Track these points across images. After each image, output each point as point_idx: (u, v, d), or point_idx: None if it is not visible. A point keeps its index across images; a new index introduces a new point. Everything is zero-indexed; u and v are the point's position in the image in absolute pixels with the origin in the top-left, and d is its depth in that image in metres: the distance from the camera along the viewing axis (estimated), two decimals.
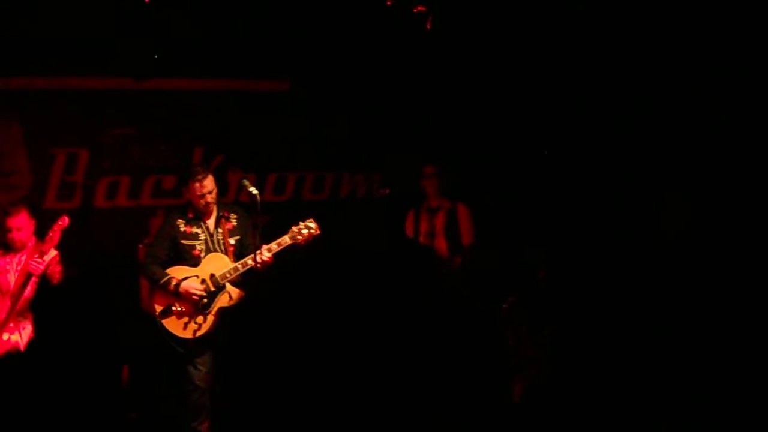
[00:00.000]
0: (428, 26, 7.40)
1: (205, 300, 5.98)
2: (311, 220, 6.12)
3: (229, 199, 7.76)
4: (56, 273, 5.88)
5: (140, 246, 7.13)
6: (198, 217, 6.10)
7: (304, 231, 6.06)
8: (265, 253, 5.91)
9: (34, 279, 5.84)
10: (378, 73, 8.08)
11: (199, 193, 6.00)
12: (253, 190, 5.92)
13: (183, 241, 6.05)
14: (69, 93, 7.34)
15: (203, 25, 7.28)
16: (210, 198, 6.04)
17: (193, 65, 7.64)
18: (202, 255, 6.05)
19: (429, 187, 7.41)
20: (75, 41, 6.90)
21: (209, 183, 6.03)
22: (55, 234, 5.80)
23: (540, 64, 7.97)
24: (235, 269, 5.97)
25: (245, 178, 6.16)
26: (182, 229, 6.07)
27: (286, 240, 6.02)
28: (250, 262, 5.91)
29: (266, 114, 8.02)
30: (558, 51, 7.74)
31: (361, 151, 8.36)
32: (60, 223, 5.83)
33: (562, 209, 7.92)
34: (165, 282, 5.94)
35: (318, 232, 6.08)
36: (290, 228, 6.06)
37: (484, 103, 8.36)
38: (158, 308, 6.01)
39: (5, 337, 5.85)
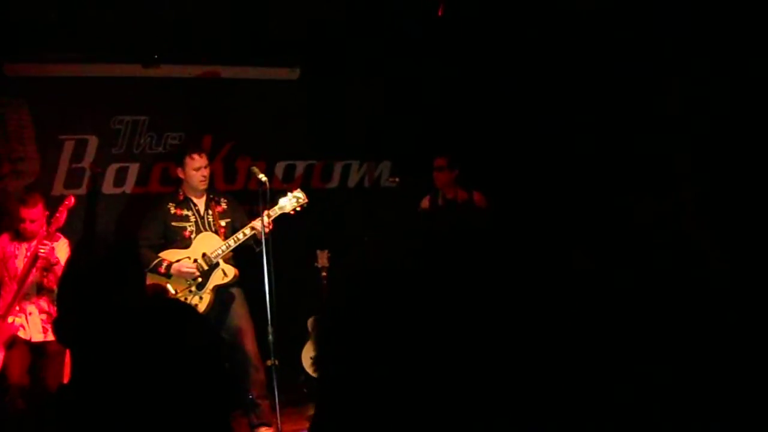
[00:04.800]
0: (440, 13, 7.36)
1: (200, 279, 5.98)
2: (298, 190, 6.21)
3: (238, 187, 7.79)
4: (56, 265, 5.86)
5: None
6: (188, 199, 6.13)
7: (293, 201, 6.12)
8: (264, 219, 5.92)
9: (40, 263, 5.84)
10: (388, 61, 8.03)
11: (196, 166, 6.06)
12: (263, 178, 5.94)
13: (173, 224, 6.06)
14: (78, 80, 7.34)
15: (213, 12, 7.25)
16: (206, 172, 6.11)
17: (203, 53, 7.63)
18: (193, 236, 6.06)
19: (441, 180, 7.36)
20: (85, 27, 6.89)
21: (204, 158, 6.13)
22: (61, 214, 5.82)
23: (554, 54, 7.90)
24: (227, 245, 5.99)
25: (254, 166, 6.18)
26: (172, 211, 6.09)
27: (276, 210, 6.06)
28: (240, 236, 5.97)
29: (276, 102, 7.99)
30: (573, 42, 7.66)
31: (370, 139, 8.30)
32: (66, 203, 5.86)
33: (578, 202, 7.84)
34: (156, 265, 5.94)
35: (306, 200, 6.16)
36: (278, 199, 6.12)
37: (495, 94, 8.29)
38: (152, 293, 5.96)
39: (10, 320, 5.86)
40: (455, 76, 8.22)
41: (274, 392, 5.91)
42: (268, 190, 5.94)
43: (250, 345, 5.99)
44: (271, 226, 5.97)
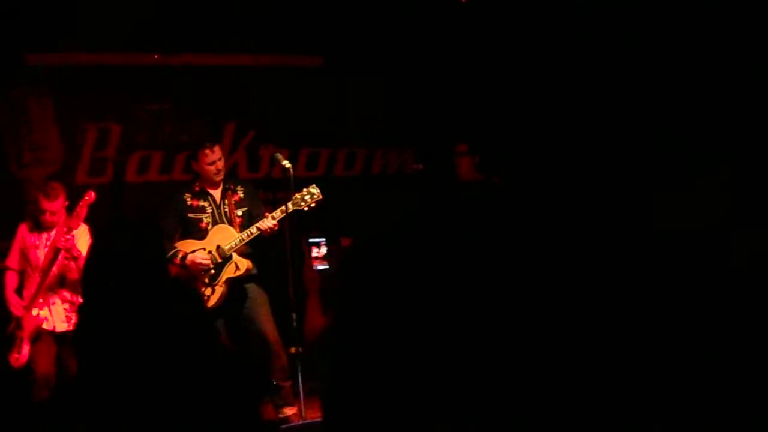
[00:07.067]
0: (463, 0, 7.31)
1: (213, 271, 6.01)
2: (313, 186, 6.13)
3: (262, 174, 7.81)
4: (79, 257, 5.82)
5: None
6: (204, 190, 6.14)
7: (307, 197, 6.06)
8: (269, 221, 5.96)
9: (62, 254, 5.82)
10: (411, 48, 7.97)
11: (210, 161, 6.04)
12: (287, 164, 5.94)
13: (190, 215, 6.10)
14: (100, 68, 7.31)
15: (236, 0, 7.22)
16: (221, 165, 6.10)
17: (226, 40, 7.60)
18: (209, 227, 6.09)
19: (462, 165, 7.34)
20: (106, 16, 6.87)
21: (218, 151, 6.12)
22: (81, 209, 5.78)
23: (577, 44, 7.79)
24: (241, 239, 6.01)
25: (278, 153, 6.16)
26: (189, 203, 6.11)
27: (289, 207, 6.00)
28: (254, 230, 5.98)
29: (299, 90, 7.95)
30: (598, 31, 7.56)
31: (393, 126, 8.25)
32: (86, 198, 5.81)
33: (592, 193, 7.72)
34: (171, 255, 5.94)
35: (320, 197, 6.09)
36: (293, 195, 6.04)
37: (518, 81, 8.20)
38: None
39: (34, 312, 5.86)
40: (478, 62, 8.14)
41: (298, 380, 5.93)
42: (292, 177, 5.92)
43: (269, 332, 6.06)
44: (276, 227, 6.00)
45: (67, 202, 5.98)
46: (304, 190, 6.09)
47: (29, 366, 5.84)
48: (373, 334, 1.04)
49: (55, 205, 5.90)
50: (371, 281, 1.08)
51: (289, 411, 6.12)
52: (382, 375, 1.04)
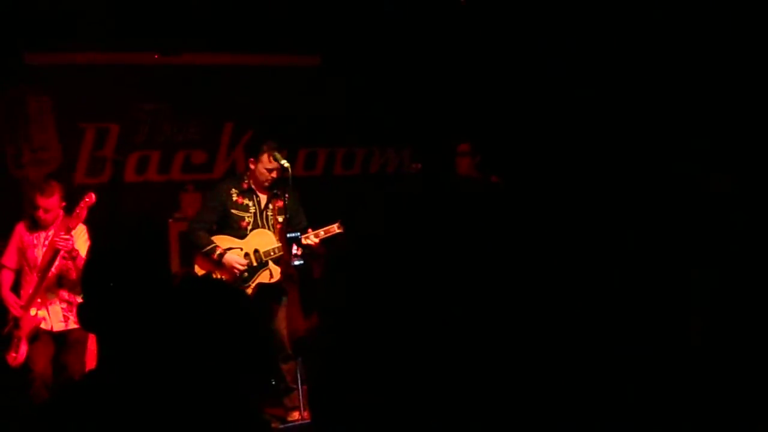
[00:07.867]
0: (463, 2, 7.30)
1: (246, 274, 5.99)
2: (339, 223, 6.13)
3: None
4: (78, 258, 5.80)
5: (170, 221, 7.12)
6: (252, 189, 6.08)
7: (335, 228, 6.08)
8: (312, 238, 5.98)
9: (61, 255, 5.80)
10: (409, 48, 7.97)
11: (269, 167, 5.97)
12: (285, 163, 5.91)
13: (233, 211, 6.03)
14: (99, 68, 7.32)
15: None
16: (276, 174, 6.01)
17: (224, 40, 7.60)
18: (249, 228, 6.04)
19: (463, 165, 7.32)
20: (106, 15, 6.87)
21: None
22: (81, 211, 5.74)
23: (577, 44, 7.79)
24: (280, 248, 5.98)
25: (276, 152, 6.14)
26: (234, 198, 6.04)
27: (334, 228, 6.03)
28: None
29: (297, 89, 7.96)
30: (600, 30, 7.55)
31: (391, 126, 8.25)
32: (87, 200, 5.77)
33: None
34: (209, 250, 5.94)
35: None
36: (339, 220, 6.07)
37: (518, 80, 8.21)
38: (199, 273, 6.02)
39: (32, 312, 5.84)
40: (479, 61, 8.14)
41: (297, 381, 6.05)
42: (290, 176, 5.92)
43: (284, 336, 6.09)
44: (316, 245, 6.02)
45: (64, 203, 5.95)
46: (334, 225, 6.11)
47: (27, 365, 5.80)
48: (365, 333, 1.04)
49: (49, 203, 5.85)
50: (364, 279, 1.08)
51: (296, 415, 6.12)
52: (372, 375, 1.04)
